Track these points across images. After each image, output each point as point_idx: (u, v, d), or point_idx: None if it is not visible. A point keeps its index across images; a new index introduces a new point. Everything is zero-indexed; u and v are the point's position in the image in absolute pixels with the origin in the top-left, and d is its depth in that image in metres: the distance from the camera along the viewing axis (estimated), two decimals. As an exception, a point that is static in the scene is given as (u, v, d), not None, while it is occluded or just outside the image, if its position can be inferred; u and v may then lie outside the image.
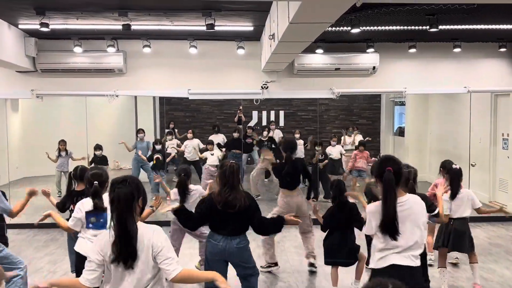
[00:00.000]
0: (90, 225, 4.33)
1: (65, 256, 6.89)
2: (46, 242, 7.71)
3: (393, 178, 3.29)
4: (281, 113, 13.28)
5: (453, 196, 5.40)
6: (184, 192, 5.66)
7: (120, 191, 2.69)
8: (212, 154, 10.27)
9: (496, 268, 6.38)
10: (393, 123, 13.69)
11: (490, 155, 9.92)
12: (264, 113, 12.95)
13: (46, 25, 6.91)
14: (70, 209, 4.94)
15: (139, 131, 10.82)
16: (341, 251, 5.20)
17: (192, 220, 4.35)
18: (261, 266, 6.03)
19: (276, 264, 6.29)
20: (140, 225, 2.75)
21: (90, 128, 9.57)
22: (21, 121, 11.61)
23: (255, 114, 12.88)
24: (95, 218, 4.31)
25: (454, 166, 5.52)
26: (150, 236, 2.72)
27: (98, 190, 4.22)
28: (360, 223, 4.66)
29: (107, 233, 2.74)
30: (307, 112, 13.43)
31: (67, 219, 4.53)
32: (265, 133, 11.11)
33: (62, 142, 10.39)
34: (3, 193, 4.93)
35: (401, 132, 13.39)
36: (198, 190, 5.80)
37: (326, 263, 5.35)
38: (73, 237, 4.88)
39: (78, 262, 4.29)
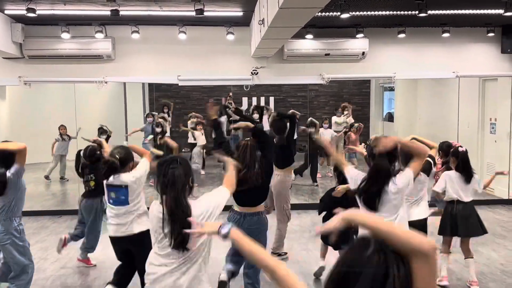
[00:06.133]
0: (111, 200, 4.32)
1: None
2: (36, 230, 7.70)
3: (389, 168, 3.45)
4: (271, 99, 13.26)
5: (468, 180, 5.11)
6: None
7: (174, 172, 2.63)
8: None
9: (483, 250, 6.49)
10: (383, 109, 13.76)
11: (478, 139, 10.03)
12: (254, 99, 12.93)
13: (33, 10, 6.82)
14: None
15: (148, 115, 10.91)
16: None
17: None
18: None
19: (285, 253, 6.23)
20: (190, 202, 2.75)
21: (79, 115, 9.49)
22: (9, 108, 11.48)
23: (245, 100, 12.85)
24: (114, 193, 4.25)
25: (460, 148, 5.18)
26: (199, 207, 2.72)
27: (115, 166, 4.15)
28: None
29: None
30: (297, 98, 13.42)
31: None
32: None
33: (62, 127, 10.42)
34: None
35: (390, 117, 13.46)
36: None
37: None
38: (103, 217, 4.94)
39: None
